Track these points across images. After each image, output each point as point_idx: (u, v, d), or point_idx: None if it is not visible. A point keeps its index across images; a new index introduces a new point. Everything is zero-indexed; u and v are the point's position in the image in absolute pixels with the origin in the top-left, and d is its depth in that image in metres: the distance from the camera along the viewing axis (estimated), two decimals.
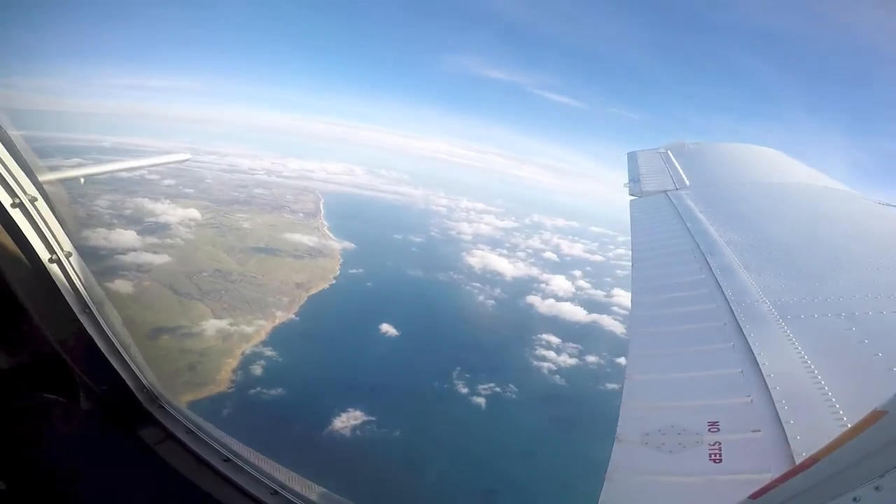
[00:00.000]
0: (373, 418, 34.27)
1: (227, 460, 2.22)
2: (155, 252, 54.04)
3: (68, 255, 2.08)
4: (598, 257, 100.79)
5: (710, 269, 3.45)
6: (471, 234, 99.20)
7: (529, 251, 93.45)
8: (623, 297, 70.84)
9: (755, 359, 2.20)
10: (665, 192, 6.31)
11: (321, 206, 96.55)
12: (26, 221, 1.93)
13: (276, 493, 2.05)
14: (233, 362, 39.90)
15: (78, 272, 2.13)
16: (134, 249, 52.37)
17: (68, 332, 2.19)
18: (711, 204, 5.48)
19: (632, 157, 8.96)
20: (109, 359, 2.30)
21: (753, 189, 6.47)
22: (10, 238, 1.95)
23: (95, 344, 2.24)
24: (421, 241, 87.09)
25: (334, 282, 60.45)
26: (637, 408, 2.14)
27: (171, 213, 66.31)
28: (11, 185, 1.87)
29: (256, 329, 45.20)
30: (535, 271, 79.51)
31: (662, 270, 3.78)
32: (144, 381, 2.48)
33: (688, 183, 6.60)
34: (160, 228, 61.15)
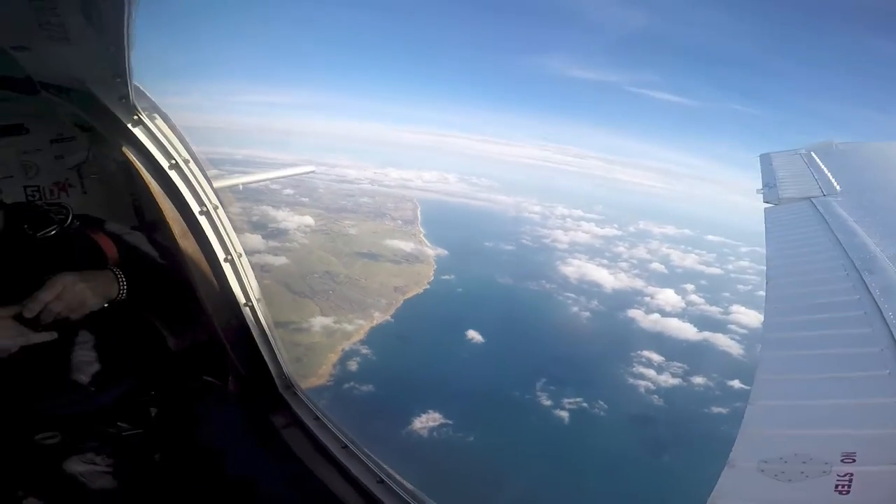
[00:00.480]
0: (450, 422, 34.99)
1: (345, 447, 2.39)
2: (275, 255, 61.73)
3: (239, 256, 2.38)
4: (715, 269, 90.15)
5: (867, 288, 3.02)
6: (566, 242, 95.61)
7: (633, 261, 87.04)
8: (743, 315, 62.27)
9: None
10: (809, 198, 5.61)
11: (418, 213, 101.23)
12: (209, 227, 2.25)
13: (382, 481, 2.19)
14: (334, 357, 43.89)
15: (245, 271, 2.41)
16: (259, 252, 60.14)
17: (231, 323, 2.46)
18: (870, 213, 4.77)
19: (765, 160, 7.96)
20: (260, 347, 2.54)
21: None
22: (194, 241, 2.27)
23: (251, 333, 2.49)
24: (511, 248, 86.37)
25: (428, 287, 63.05)
26: (758, 434, 1.93)
27: (289, 219, 75.03)
28: (200, 194, 2.21)
29: (356, 328, 49.14)
30: (639, 283, 73.88)
31: (804, 289, 3.43)
32: (284, 369, 2.70)
33: (838, 189, 5.78)
34: (280, 233, 69.56)
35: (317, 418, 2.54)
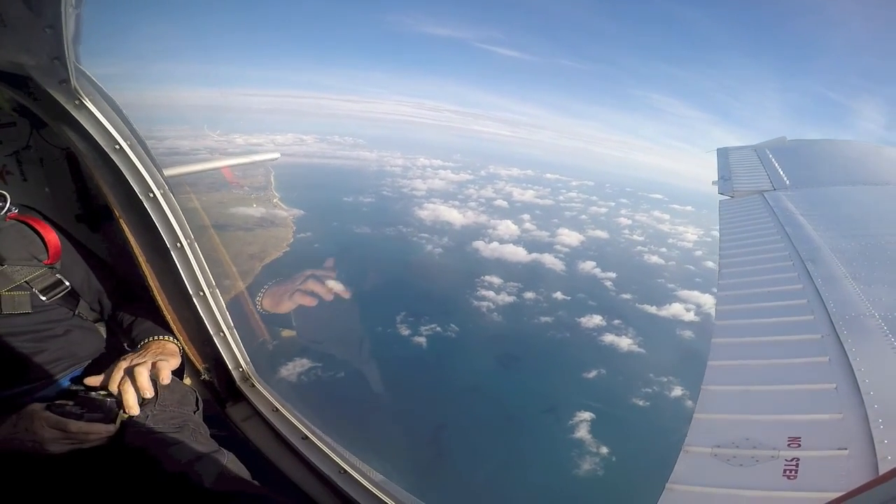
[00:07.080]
0: (319, 364, 36.86)
1: (305, 438, 2.36)
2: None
3: (191, 243, 2.28)
4: (548, 201, 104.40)
5: (811, 277, 3.19)
6: (424, 189, 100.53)
7: (481, 200, 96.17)
8: (567, 236, 74.89)
9: (854, 375, 2.06)
10: (761, 192, 5.91)
11: (271, 178, 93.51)
12: (157, 213, 2.15)
13: (344, 472, 2.16)
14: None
15: (197, 258, 2.31)
16: None
17: (182, 313, 2.36)
18: (815, 206, 5.07)
19: (722, 154, 8.25)
20: (214, 338, 2.48)
21: (868, 191, 5.86)
22: (142, 227, 2.17)
23: (205, 324, 2.41)
24: (371, 201, 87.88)
25: (288, 249, 61.05)
26: (711, 419, 2.05)
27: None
28: (147, 179, 2.10)
29: None
30: (483, 218, 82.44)
31: (753, 278, 3.55)
32: (241, 361, 2.64)
33: (788, 183, 6.14)
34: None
35: (276, 410, 2.53)
